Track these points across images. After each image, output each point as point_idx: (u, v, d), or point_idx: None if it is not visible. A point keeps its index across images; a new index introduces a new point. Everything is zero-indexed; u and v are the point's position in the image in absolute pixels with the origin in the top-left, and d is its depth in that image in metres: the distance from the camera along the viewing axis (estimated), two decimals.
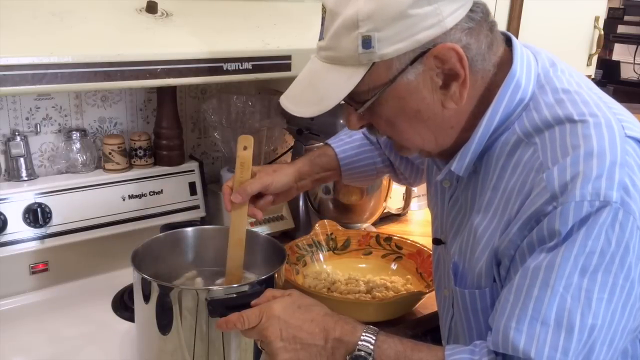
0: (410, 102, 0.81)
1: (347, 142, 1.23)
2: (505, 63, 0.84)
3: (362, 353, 0.79)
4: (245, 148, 1.05)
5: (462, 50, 0.77)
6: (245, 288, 0.96)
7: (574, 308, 0.70)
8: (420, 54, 0.77)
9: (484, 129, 0.83)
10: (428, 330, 1.26)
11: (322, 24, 0.84)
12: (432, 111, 0.82)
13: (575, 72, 0.87)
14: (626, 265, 0.71)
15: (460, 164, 0.86)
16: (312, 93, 0.84)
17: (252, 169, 1.06)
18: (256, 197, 1.08)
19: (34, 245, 1.28)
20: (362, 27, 0.76)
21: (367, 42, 0.76)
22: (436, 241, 1.02)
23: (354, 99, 0.83)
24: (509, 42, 0.86)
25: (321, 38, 0.84)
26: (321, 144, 1.65)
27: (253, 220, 1.52)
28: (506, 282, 0.79)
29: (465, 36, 0.78)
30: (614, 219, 0.70)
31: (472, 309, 0.88)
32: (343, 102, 0.83)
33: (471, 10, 0.79)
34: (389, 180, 1.62)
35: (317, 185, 1.33)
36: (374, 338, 0.80)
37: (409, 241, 1.47)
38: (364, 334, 0.81)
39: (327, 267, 1.42)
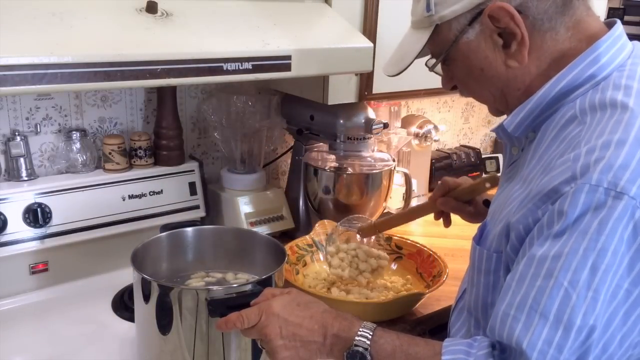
0: (474, 61, 0.86)
1: None
2: (595, 37, 0.82)
3: (359, 349, 0.79)
4: (489, 185, 1.14)
5: (513, 9, 0.79)
6: (245, 288, 0.96)
7: (577, 306, 0.68)
8: (477, 15, 0.82)
9: (545, 92, 0.83)
10: (428, 330, 1.26)
11: None
12: (495, 70, 0.85)
13: None
14: (635, 270, 0.69)
15: (512, 120, 0.86)
16: (397, 53, 0.98)
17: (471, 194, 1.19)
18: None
19: (34, 245, 1.28)
20: None
21: (428, 6, 0.86)
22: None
23: (434, 57, 0.93)
24: (612, 25, 0.85)
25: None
26: (320, 144, 1.65)
27: (254, 220, 1.53)
28: (512, 266, 0.78)
29: None
30: (630, 218, 0.68)
31: (478, 268, 0.89)
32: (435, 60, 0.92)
33: None
34: (389, 180, 1.62)
35: None
36: (371, 333, 0.80)
37: (409, 241, 1.47)
38: (360, 329, 0.81)
39: (326, 267, 1.41)
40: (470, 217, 1.21)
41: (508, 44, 0.83)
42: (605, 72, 0.80)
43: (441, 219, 1.26)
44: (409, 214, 1.38)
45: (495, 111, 0.96)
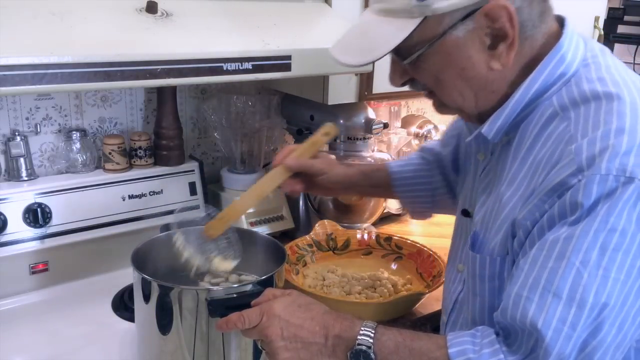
0: (456, 59, 0.82)
1: (405, 161, 1.27)
2: (554, 37, 0.84)
3: (363, 347, 0.79)
4: (326, 134, 1.12)
5: (513, 10, 0.78)
6: (246, 288, 0.96)
7: (588, 284, 0.70)
8: (472, 11, 0.79)
9: (520, 96, 0.83)
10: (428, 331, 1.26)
11: None
12: (476, 70, 0.83)
13: (622, 63, 0.87)
14: None
15: (490, 127, 0.86)
16: (363, 43, 0.86)
17: (316, 152, 1.14)
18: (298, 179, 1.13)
19: (34, 245, 1.28)
20: None
21: None
22: (464, 212, 1.02)
23: (401, 52, 0.84)
24: (561, 22, 0.87)
25: None
26: (333, 156, 1.65)
27: (254, 220, 1.53)
28: (522, 255, 0.79)
29: None
30: (638, 198, 0.70)
31: (480, 275, 0.88)
32: (391, 52, 0.84)
33: None
34: None
35: (365, 196, 1.34)
36: (373, 331, 0.81)
37: (409, 241, 1.47)
38: (362, 328, 0.81)
39: (324, 269, 1.41)
40: (320, 185, 1.16)
41: (495, 45, 0.81)
42: (572, 69, 0.83)
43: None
44: (258, 189, 1.11)
45: (459, 113, 0.93)
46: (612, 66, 0.83)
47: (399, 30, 0.81)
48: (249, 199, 1.09)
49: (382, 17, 0.84)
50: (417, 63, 0.84)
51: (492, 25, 0.79)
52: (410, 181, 1.23)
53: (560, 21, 0.87)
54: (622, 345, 0.73)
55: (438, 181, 1.21)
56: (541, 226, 0.76)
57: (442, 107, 0.92)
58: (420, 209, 1.27)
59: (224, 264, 1.07)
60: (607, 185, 0.70)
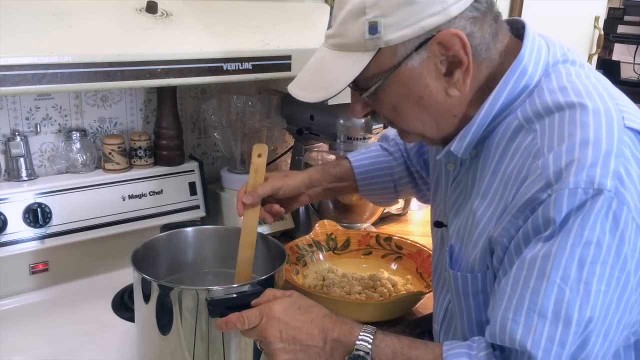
0: (414, 89, 0.82)
1: (363, 152, 1.26)
2: (513, 51, 0.84)
3: (361, 353, 0.80)
4: (259, 155, 1.12)
5: (465, 37, 0.78)
6: (245, 288, 0.96)
7: (572, 300, 0.70)
8: (425, 41, 0.78)
9: (486, 113, 0.84)
10: (427, 331, 1.26)
11: (331, 14, 0.87)
12: (434, 98, 0.83)
13: (587, 64, 0.87)
14: (622, 257, 0.71)
15: (459, 145, 0.87)
16: (320, 79, 0.87)
17: (265, 175, 1.12)
18: (269, 205, 1.14)
19: (34, 245, 1.28)
20: (369, 13, 0.78)
21: (373, 28, 0.78)
22: (437, 224, 1.02)
23: (359, 85, 0.84)
24: (521, 30, 0.87)
25: (329, 27, 0.87)
26: (320, 144, 1.66)
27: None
28: (502, 274, 0.79)
29: (470, 24, 0.79)
30: (608, 209, 0.70)
31: (464, 292, 0.88)
32: (350, 86, 0.85)
33: (476, 1, 0.79)
34: None
35: (331, 195, 1.33)
36: (372, 337, 0.81)
37: (409, 241, 1.47)
38: (361, 333, 0.81)
39: (324, 269, 1.41)
40: (286, 198, 1.16)
41: (451, 72, 0.81)
42: (534, 80, 0.83)
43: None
44: (244, 242, 1.09)
45: (423, 139, 0.92)
46: (573, 72, 0.83)
47: (355, 65, 0.81)
48: (247, 254, 1.09)
49: (337, 52, 0.84)
50: (376, 95, 0.84)
51: (446, 53, 0.79)
52: (372, 174, 1.23)
53: (519, 28, 0.87)
54: (609, 352, 0.74)
55: (400, 171, 1.23)
56: (517, 242, 0.76)
57: (405, 134, 0.93)
58: (384, 199, 1.29)
59: None
60: (576, 199, 0.70)
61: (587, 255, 0.70)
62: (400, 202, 1.80)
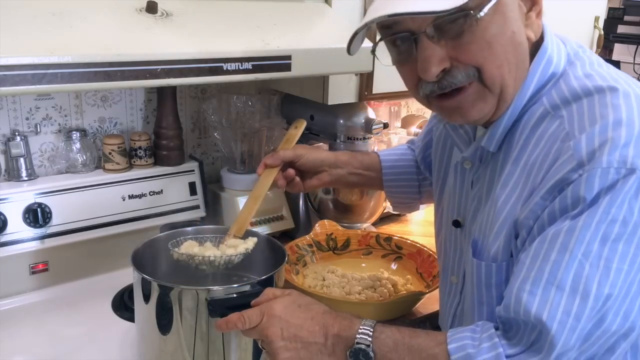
0: (510, 21, 0.80)
1: (391, 149, 1.28)
2: (534, 43, 0.85)
3: (362, 346, 0.80)
4: (296, 127, 1.20)
5: None
6: (246, 288, 0.96)
7: (591, 275, 0.70)
8: None
9: (516, 103, 0.84)
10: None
11: None
12: (522, 36, 0.82)
13: (601, 58, 0.88)
14: None
15: (490, 139, 0.87)
16: None
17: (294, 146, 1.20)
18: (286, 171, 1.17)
19: (34, 245, 1.28)
20: None
21: None
22: (455, 223, 1.00)
23: (469, 5, 0.75)
24: None
25: None
26: (321, 144, 1.65)
27: (254, 220, 1.53)
28: (522, 251, 0.79)
29: None
30: (638, 188, 0.70)
31: (486, 283, 0.87)
32: (430, 37, 0.77)
33: None
34: None
35: (353, 184, 1.26)
36: (372, 330, 0.81)
37: (409, 241, 1.47)
38: (361, 327, 0.82)
39: (324, 269, 1.41)
40: (304, 168, 1.19)
41: (529, 10, 0.82)
42: (561, 68, 0.84)
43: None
44: (254, 193, 1.13)
45: (481, 107, 0.83)
46: (595, 62, 0.84)
47: None
48: (250, 205, 1.13)
49: None
50: (472, 30, 0.76)
51: None
52: (398, 169, 1.24)
53: None
54: (630, 335, 0.74)
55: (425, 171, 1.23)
56: (542, 222, 0.76)
57: (468, 106, 0.83)
58: (407, 199, 1.28)
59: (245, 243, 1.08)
60: (608, 178, 0.70)
61: (612, 232, 0.70)
62: None
